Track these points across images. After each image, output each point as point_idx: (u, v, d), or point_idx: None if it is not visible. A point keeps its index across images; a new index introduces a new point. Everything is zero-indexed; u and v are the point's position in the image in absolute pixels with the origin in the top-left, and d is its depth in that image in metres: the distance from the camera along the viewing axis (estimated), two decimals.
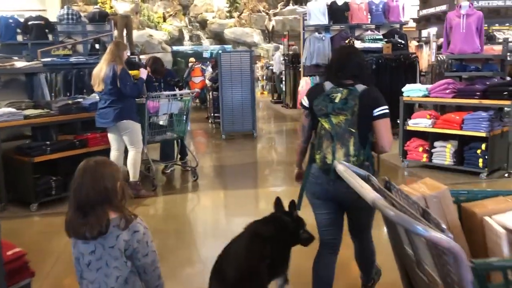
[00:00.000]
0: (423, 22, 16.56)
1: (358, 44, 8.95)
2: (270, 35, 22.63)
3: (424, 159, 6.27)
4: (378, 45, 8.76)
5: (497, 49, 6.65)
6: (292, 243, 2.75)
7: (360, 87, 2.58)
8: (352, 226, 2.83)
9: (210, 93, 11.32)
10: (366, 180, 1.99)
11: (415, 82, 7.73)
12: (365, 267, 2.99)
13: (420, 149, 6.30)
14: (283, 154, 8.47)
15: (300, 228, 2.74)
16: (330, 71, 2.74)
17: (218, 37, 22.87)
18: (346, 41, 9.78)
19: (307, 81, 11.66)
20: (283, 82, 14.45)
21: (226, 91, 9.12)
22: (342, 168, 2.15)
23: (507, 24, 13.66)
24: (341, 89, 2.56)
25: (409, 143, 6.41)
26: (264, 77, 19.20)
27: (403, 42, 9.02)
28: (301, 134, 2.79)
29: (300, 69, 12.75)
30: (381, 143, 2.59)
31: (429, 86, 6.48)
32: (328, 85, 2.63)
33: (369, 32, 9.40)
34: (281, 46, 16.71)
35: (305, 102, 2.70)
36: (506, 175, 5.80)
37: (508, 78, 6.56)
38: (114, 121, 5.08)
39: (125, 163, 5.31)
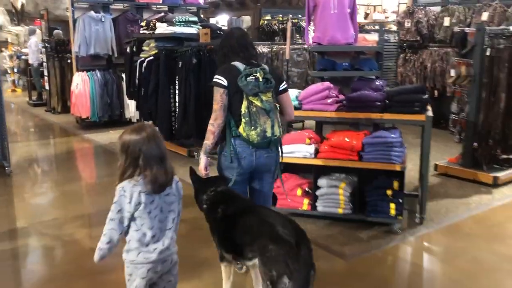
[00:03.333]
0: (211, 8, 14.81)
1: (164, 28, 6.26)
2: (19, 16, 17.68)
3: (305, 207, 4.08)
4: (193, 30, 6.22)
5: (371, 39, 4.97)
6: None
7: (264, 66, 2.82)
8: (257, 198, 2.93)
9: None
10: None
11: None
12: None
13: (298, 191, 4.09)
14: (79, 206, 4.98)
15: None
16: (233, 52, 2.81)
17: None
18: (143, 24, 7.01)
19: (84, 77, 8.39)
20: (45, 78, 10.63)
21: None
22: None
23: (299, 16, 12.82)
24: (256, 68, 2.70)
25: (279, 182, 4.07)
26: (15, 70, 14.70)
27: (221, 27, 6.72)
28: (219, 113, 2.75)
29: (70, 61, 9.36)
30: (289, 111, 2.97)
31: (296, 91, 4.31)
32: (240, 65, 2.73)
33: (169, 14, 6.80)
34: (38, 31, 12.70)
35: (224, 82, 2.72)
36: (417, 220, 4.07)
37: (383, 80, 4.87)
38: None
39: None
